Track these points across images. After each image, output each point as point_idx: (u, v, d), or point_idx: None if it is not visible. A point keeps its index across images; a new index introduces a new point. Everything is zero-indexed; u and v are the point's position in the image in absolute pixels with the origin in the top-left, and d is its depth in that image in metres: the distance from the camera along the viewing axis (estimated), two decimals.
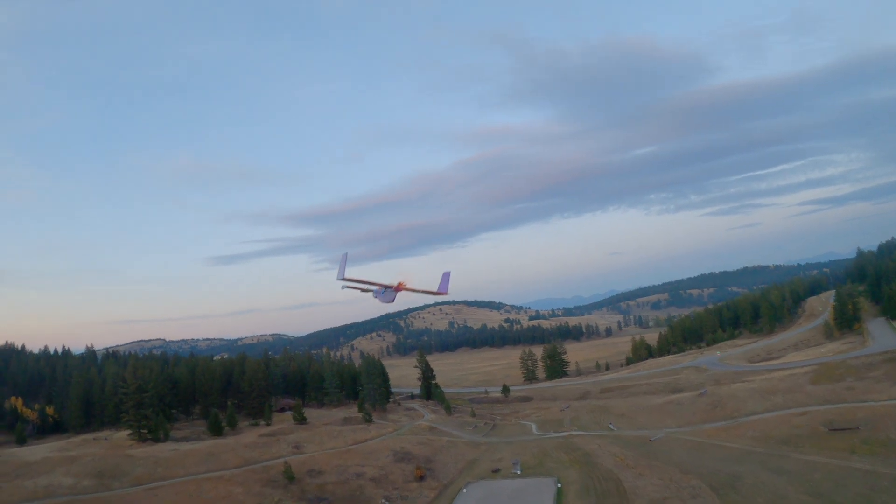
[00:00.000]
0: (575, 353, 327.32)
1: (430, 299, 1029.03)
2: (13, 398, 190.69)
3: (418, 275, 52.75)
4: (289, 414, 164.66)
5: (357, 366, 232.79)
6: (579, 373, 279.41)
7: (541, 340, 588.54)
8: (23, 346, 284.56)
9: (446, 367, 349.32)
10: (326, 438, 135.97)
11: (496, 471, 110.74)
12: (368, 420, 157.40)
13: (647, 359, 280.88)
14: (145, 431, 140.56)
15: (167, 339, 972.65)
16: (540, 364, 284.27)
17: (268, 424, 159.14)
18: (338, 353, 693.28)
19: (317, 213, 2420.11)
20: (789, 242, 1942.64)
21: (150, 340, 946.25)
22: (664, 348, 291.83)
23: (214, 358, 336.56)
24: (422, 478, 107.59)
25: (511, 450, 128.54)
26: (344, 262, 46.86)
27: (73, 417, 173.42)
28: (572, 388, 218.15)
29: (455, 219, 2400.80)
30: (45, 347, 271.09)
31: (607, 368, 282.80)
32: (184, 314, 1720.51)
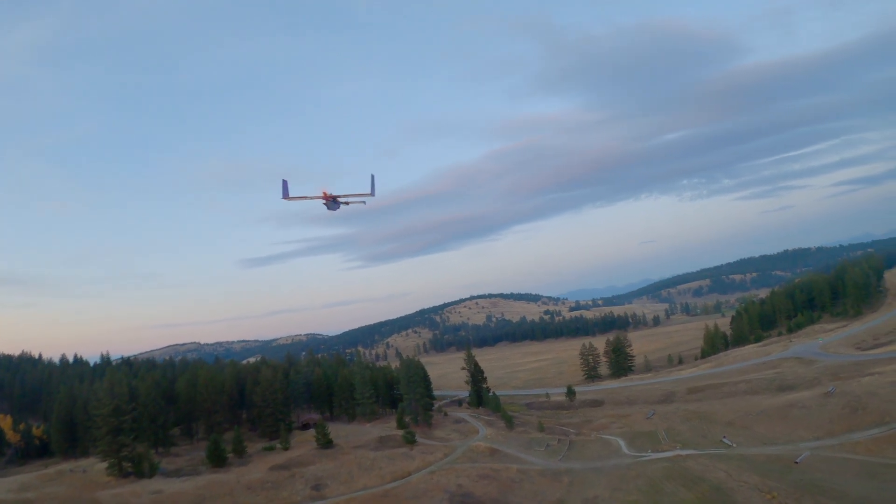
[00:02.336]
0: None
1: (465, 293, 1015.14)
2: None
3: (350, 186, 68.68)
4: (311, 433, 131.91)
5: (394, 368, 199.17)
6: (649, 368, 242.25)
7: (584, 332, 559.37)
8: (39, 356, 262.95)
9: (488, 364, 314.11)
10: (357, 471, 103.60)
11: None
12: (410, 441, 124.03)
13: (725, 350, 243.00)
14: (128, 465, 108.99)
15: (201, 342, 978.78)
16: (603, 359, 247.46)
17: (285, 449, 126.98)
18: (373, 352, 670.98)
19: (349, 211, 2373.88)
20: (824, 224, 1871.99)
21: (184, 344, 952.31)
22: (742, 337, 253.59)
23: (246, 361, 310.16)
24: None
25: (606, 482, 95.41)
26: (285, 185, 62.83)
27: (57, 440, 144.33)
28: (650, 389, 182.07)
29: (488, 211, 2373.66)
30: (63, 356, 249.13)
31: (680, 362, 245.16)
32: (219, 316, 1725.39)
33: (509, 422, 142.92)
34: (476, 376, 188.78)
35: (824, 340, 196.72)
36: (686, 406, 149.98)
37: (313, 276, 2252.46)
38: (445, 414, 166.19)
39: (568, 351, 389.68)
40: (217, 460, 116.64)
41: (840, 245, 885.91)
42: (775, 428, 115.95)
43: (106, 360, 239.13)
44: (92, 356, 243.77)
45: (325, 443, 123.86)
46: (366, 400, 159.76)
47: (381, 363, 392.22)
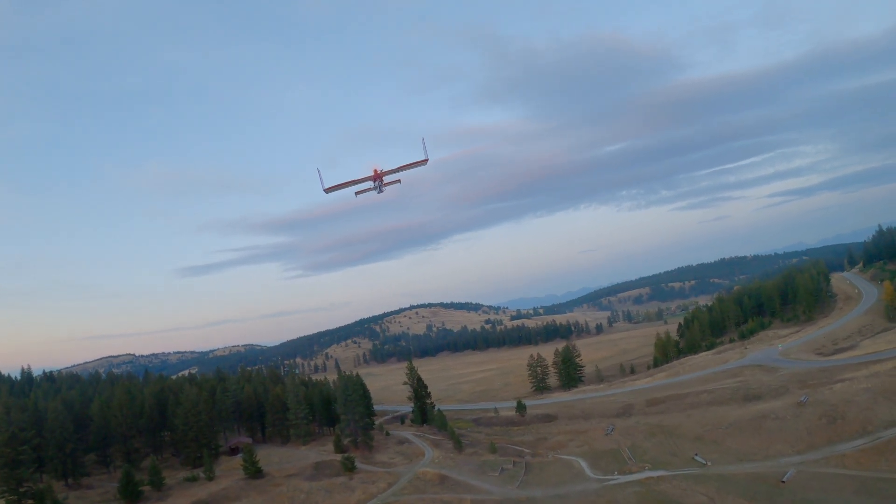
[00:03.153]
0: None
1: (405, 302, 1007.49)
2: None
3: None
4: (240, 459, 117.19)
5: (332, 382, 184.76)
6: (601, 379, 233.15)
7: (527, 341, 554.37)
8: None
9: (431, 375, 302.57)
10: None
11: None
12: (350, 468, 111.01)
13: (678, 358, 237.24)
14: (29, 502, 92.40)
15: (136, 354, 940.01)
16: (552, 370, 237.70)
17: (209, 479, 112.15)
18: (312, 363, 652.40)
19: (290, 220, 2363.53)
20: (759, 234, 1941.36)
21: (118, 356, 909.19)
22: (694, 345, 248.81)
23: (180, 374, 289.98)
24: None
25: None
26: (320, 175, 50.10)
27: None
28: (606, 401, 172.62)
29: (429, 221, 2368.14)
30: None
31: (633, 371, 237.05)
32: (155, 327, 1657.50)
33: (458, 442, 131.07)
34: (419, 391, 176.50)
35: (783, 346, 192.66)
36: (647, 419, 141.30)
37: (253, 286, 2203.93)
38: (388, 434, 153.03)
39: (512, 360, 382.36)
40: (130, 495, 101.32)
41: (775, 253, 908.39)
42: (749, 442, 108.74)
43: (27, 376, 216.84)
44: (14, 371, 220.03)
45: (254, 472, 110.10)
46: (300, 421, 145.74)
47: (320, 375, 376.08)
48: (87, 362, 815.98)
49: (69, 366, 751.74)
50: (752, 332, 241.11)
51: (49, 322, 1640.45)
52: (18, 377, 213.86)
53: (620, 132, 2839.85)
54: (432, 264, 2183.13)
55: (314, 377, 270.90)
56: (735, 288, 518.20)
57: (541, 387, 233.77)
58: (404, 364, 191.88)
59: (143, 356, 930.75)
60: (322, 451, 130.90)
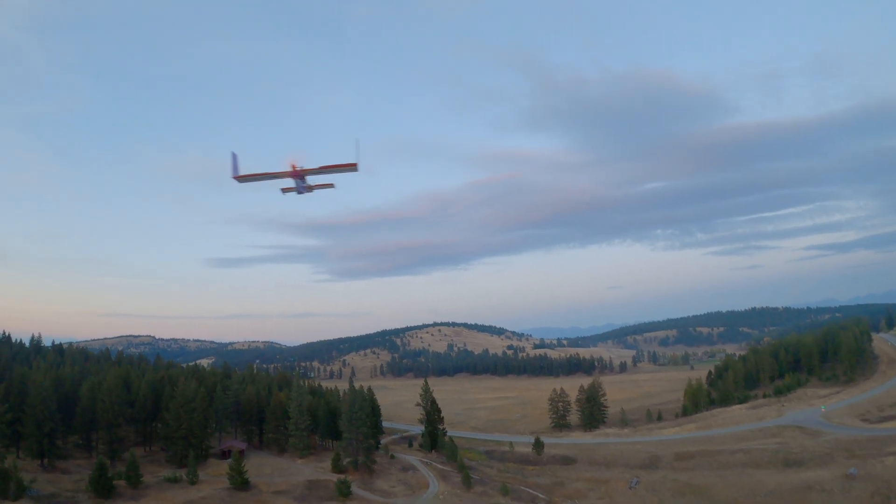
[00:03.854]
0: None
1: (429, 318, 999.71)
2: None
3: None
4: (228, 465, 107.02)
5: (342, 393, 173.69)
6: (625, 422, 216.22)
7: (549, 372, 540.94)
8: None
9: (446, 397, 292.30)
10: None
11: None
12: (345, 493, 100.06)
13: (708, 408, 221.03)
14: None
15: (156, 337, 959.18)
16: (574, 406, 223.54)
17: (191, 483, 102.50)
18: (328, 368, 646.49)
19: (324, 224, 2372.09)
20: (790, 286, 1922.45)
21: (139, 336, 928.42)
22: (727, 396, 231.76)
23: (195, 362, 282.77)
24: None
25: None
26: (234, 160, 46.09)
27: None
28: (630, 449, 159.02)
29: (460, 240, 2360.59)
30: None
31: (660, 418, 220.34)
32: (178, 312, 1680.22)
33: (467, 477, 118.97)
34: (431, 415, 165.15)
35: (826, 408, 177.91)
36: (675, 475, 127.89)
37: (280, 285, 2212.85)
38: (392, 457, 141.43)
39: (532, 391, 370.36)
40: (101, 490, 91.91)
41: (808, 307, 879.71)
42: None
43: (35, 344, 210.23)
44: (25, 337, 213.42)
45: (241, 482, 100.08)
46: (300, 432, 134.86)
47: (334, 382, 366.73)
48: (106, 338, 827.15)
49: (88, 339, 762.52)
50: (788, 389, 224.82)
51: (75, 293, 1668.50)
52: (27, 345, 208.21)
53: (661, 171, 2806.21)
54: (459, 284, 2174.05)
55: (326, 384, 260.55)
56: (765, 339, 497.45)
57: (560, 423, 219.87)
58: (421, 381, 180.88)
59: (162, 339, 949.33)
60: (318, 469, 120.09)
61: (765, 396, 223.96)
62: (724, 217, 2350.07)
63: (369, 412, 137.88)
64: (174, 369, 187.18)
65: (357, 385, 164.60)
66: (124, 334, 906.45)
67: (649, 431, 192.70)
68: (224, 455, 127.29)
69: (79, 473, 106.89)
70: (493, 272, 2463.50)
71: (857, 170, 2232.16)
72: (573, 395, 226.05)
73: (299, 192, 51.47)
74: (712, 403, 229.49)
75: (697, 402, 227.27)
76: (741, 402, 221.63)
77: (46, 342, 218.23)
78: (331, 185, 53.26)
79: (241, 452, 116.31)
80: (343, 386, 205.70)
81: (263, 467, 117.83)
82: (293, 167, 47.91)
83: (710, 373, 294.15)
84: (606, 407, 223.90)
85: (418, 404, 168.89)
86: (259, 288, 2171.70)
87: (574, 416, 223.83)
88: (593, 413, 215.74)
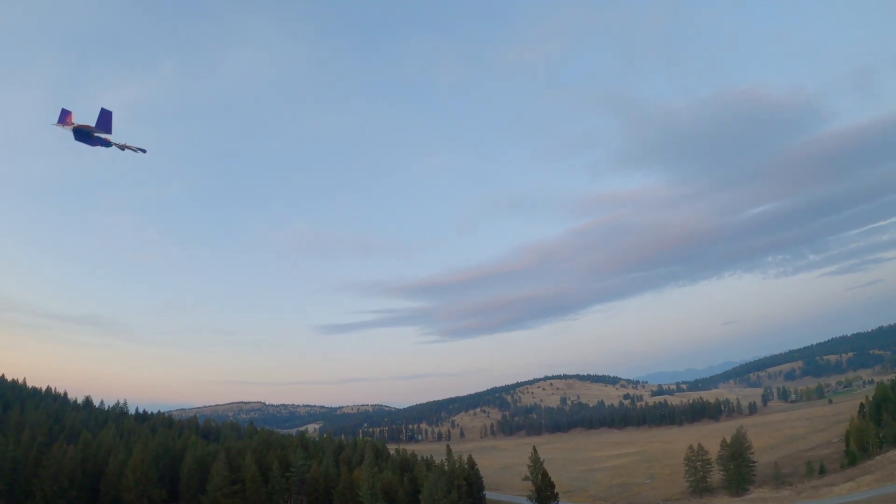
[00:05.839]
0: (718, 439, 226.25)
1: (540, 372, 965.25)
2: None
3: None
4: None
5: (438, 463, 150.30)
6: (779, 480, 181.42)
7: (670, 420, 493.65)
8: (48, 389, 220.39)
9: (561, 455, 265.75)
10: None
11: None
12: None
13: (881, 452, 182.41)
14: None
15: (266, 403, 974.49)
16: (715, 466, 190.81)
17: None
18: (437, 430, 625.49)
19: (428, 285, 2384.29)
20: None
21: (249, 402, 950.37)
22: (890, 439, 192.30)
23: (304, 427, 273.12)
24: None
25: None
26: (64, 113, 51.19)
27: None
28: None
29: (567, 290, 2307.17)
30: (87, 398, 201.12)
31: (822, 471, 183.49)
32: (288, 378, 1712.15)
33: None
34: (543, 491, 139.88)
35: None
36: None
37: (387, 348, 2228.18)
38: None
39: (655, 444, 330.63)
40: None
41: None
42: None
43: (120, 409, 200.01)
44: (154, 405, 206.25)
45: None
46: None
47: (442, 444, 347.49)
48: (218, 405, 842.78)
49: (201, 405, 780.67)
50: None
51: (190, 362, 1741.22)
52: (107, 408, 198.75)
53: (763, 193, 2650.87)
54: (569, 334, 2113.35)
55: (434, 447, 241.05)
56: None
57: (700, 487, 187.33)
58: (533, 439, 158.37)
59: (272, 405, 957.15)
60: None
61: None
62: (835, 233, 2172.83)
63: (464, 489, 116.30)
64: (229, 441, 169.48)
65: (466, 447, 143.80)
66: (236, 401, 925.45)
67: (816, 491, 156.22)
68: None
69: None
70: (603, 319, 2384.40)
71: None
72: (711, 448, 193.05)
73: (109, 146, 55.00)
74: (882, 444, 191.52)
75: (865, 445, 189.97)
76: None
77: (164, 409, 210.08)
78: (143, 151, 58.69)
79: None
80: (455, 447, 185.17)
81: None
82: (69, 118, 52.08)
83: (862, 405, 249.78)
84: (755, 462, 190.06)
85: (526, 477, 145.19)
86: (367, 352, 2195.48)
87: (715, 476, 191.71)
88: (741, 472, 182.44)
